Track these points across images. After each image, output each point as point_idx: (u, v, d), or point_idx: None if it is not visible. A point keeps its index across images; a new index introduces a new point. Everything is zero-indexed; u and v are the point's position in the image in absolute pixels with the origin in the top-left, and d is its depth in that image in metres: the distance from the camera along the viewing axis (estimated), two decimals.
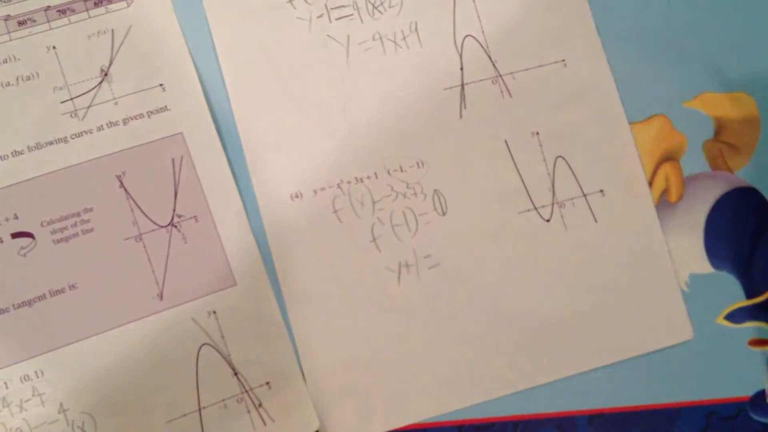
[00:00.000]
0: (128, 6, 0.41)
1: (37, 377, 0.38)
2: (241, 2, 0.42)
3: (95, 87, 0.40)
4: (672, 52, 0.45)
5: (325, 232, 0.41)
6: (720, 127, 0.45)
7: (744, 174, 0.44)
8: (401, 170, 0.42)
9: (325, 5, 0.42)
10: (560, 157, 0.43)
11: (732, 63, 0.45)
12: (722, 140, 0.45)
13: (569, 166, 0.43)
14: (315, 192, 0.41)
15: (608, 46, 0.44)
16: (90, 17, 0.40)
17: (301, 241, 0.40)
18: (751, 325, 0.43)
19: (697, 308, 0.42)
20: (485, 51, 0.43)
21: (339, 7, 0.42)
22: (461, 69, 0.43)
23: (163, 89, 0.40)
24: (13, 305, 0.38)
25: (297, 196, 0.41)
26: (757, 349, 0.43)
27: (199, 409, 0.38)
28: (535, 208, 0.42)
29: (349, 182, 0.41)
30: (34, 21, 0.40)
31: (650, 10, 0.45)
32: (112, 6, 0.40)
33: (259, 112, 0.41)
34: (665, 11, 0.45)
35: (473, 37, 0.43)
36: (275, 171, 0.41)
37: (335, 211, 0.41)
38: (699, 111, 0.45)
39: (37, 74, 0.40)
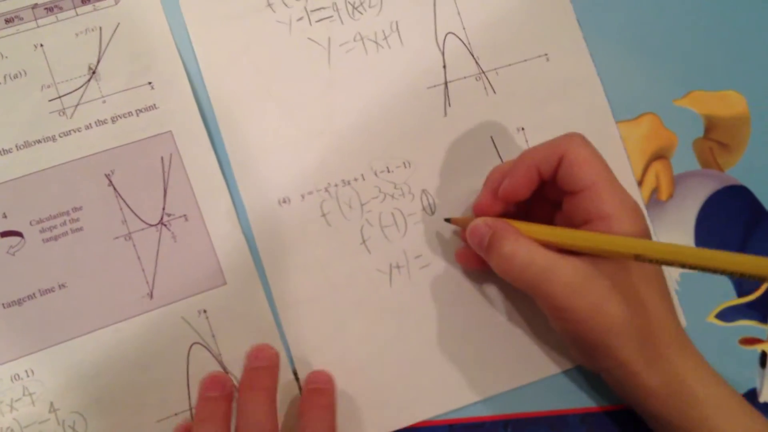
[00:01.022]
0: (116, 4, 0.40)
1: (28, 376, 0.37)
2: (219, 8, 0.41)
3: (83, 85, 0.40)
4: (662, 50, 0.45)
5: (315, 237, 0.41)
6: (710, 125, 0.44)
7: (734, 172, 0.44)
8: (388, 171, 0.41)
9: (305, 8, 0.42)
10: None
11: (722, 61, 0.45)
12: (712, 138, 0.44)
13: None
14: (302, 196, 0.41)
15: (599, 45, 0.44)
16: (77, 15, 0.40)
17: (291, 246, 0.40)
18: (742, 324, 0.43)
19: (688, 307, 0.42)
20: (467, 48, 0.43)
21: (319, 9, 0.42)
22: (444, 67, 0.43)
23: (152, 87, 0.40)
24: (3, 304, 0.38)
25: (285, 202, 0.41)
26: (748, 348, 0.43)
27: (190, 408, 0.38)
28: None
29: (336, 185, 0.41)
30: (21, 19, 0.40)
31: (640, 9, 0.45)
32: (100, 4, 0.40)
33: (242, 119, 0.41)
34: (655, 10, 0.45)
35: (455, 34, 0.43)
36: (262, 177, 0.41)
37: (324, 215, 0.41)
38: (689, 109, 0.45)
39: (25, 72, 0.39)
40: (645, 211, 0.43)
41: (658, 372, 0.35)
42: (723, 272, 0.31)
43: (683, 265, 0.31)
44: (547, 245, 0.35)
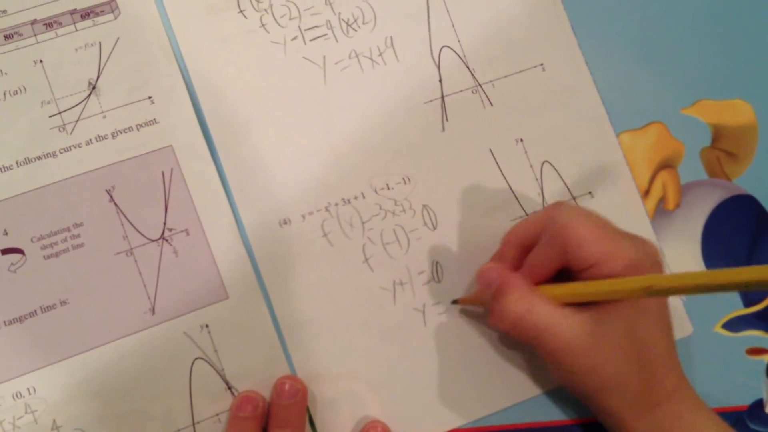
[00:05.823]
0: (115, 19, 0.40)
1: (30, 394, 0.37)
2: (213, 30, 0.41)
3: (83, 100, 0.40)
4: (669, 59, 0.45)
5: (317, 257, 0.40)
6: (717, 135, 0.44)
7: (741, 181, 0.44)
8: (388, 188, 0.41)
9: (299, 27, 0.42)
10: (546, 161, 0.42)
11: (729, 70, 0.45)
12: (720, 147, 0.44)
13: (556, 170, 0.42)
14: (303, 217, 0.40)
15: (604, 54, 0.44)
16: (77, 30, 0.40)
17: (294, 267, 0.40)
18: (749, 334, 0.43)
19: (696, 317, 0.42)
20: (463, 61, 0.43)
21: (312, 27, 0.42)
22: (440, 81, 0.42)
23: (152, 102, 0.40)
24: (4, 322, 0.38)
25: (285, 223, 0.40)
26: (755, 358, 0.42)
27: (193, 424, 0.38)
28: (527, 215, 0.42)
29: (336, 204, 0.41)
30: (21, 35, 0.39)
31: (647, 18, 0.45)
32: (99, 19, 0.40)
33: (239, 141, 0.41)
34: (662, 19, 0.45)
35: (450, 47, 0.43)
36: (261, 199, 0.40)
37: (325, 235, 0.40)
38: (696, 118, 0.44)
39: (25, 88, 0.39)
40: (643, 210, 0.43)
41: (646, 424, 0.35)
42: (726, 288, 0.30)
43: (694, 289, 0.31)
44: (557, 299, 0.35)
